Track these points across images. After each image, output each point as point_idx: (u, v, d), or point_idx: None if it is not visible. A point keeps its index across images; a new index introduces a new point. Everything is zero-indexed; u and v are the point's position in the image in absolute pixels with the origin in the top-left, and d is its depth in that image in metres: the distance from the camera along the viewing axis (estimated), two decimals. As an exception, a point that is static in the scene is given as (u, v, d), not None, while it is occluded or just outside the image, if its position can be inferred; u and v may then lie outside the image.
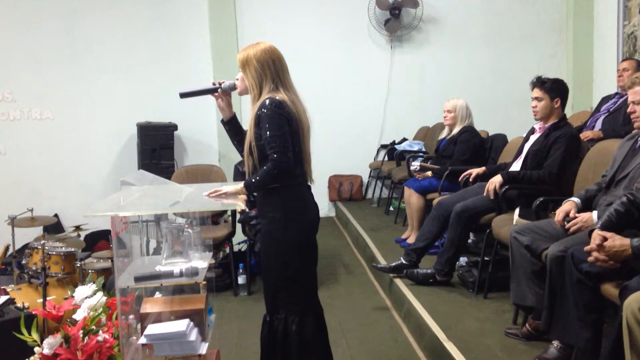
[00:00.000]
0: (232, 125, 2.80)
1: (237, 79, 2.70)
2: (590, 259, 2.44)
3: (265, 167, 2.54)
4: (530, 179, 3.78)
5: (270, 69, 2.60)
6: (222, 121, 2.82)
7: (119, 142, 6.89)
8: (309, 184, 2.74)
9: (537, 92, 3.89)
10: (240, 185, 2.62)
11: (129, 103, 6.80)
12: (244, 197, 4.56)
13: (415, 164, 5.14)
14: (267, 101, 2.55)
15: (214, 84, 2.78)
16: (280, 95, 2.58)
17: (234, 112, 2.81)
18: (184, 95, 2.80)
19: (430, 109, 6.79)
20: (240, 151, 2.72)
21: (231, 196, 2.64)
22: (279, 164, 2.52)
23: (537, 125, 4.00)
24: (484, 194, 3.90)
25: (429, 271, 4.08)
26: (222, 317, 4.02)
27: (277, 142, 2.51)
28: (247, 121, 2.67)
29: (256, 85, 2.61)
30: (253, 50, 2.62)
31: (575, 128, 4.63)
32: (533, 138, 3.99)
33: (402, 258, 4.22)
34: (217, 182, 4.36)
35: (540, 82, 3.90)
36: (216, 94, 2.76)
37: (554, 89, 3.85)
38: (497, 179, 3.84)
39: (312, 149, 2.74)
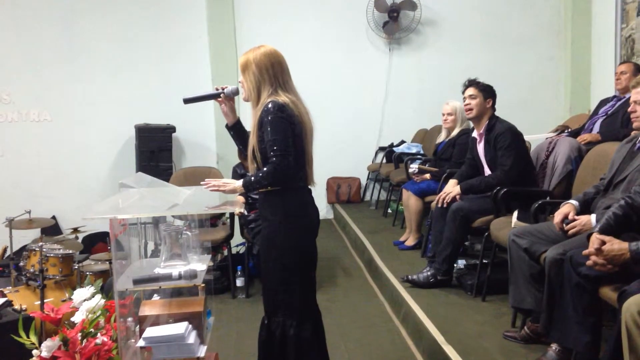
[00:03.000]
0: (236, 130, 2.80)
1: (240, 82, 2.70)
2: (589, 262, 2.44)
3: (265, 169, 2.54)
4: (488, 184, 3.98)
5: (269, 72, 2.60)
6: (227, 126, 2.82)
7: (117, 144, 6.88)
8: (311, 186, 2.74)
9: (471, 90, 4.18)
10: (238, 183, 2.61)
11: (127, 105, 6.79)
12: (242, 199, 4.57)
13: (414, 167, 5.15)
14: (270, 104, 2.55)
15: (217, 90, 2.78)
16: (282, 98, 2.57)
17: (238, 117, 2.81)
18: (187, 101, 2.80)
19: (428, 112, 6.79)
20: (245, 155, 2.72)
21: (228, 193, 2.64)
22: (279, 167, 2.51)
23: (475, 134, 4.25)
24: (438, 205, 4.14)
25: (428, 272, 4.08)
26: (220, 320, 4.01)
27: (279, 146, 2.51)
28: (248, 124, 2.67)
29: (254, 89, 2.62)
30: (253, 54, 2.63)
31: (573, 131, 4.66)
32: (480, 148, 4.19)
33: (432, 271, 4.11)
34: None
35: (474, 82, 4.22)
36: (220, 99, 2.76)
37: (487, 90, 4.17)
38: (456, 190, 4.08)
39: (313, 152, 2.74)
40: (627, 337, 2.10)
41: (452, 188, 4.15)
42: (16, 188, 6.62)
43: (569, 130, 4.77)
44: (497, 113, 4.21)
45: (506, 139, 3.94)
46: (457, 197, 4.07)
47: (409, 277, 4.14)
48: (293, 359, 2.63)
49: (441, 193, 4.17)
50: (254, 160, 2.61)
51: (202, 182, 2.66)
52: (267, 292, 2.71)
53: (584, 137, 4.36)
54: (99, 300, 2.89)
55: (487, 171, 4.13)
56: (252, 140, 2.60)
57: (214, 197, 2.73)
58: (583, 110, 6.42)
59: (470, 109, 4.14)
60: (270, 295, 2.69)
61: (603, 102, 4.82)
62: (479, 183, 4.06)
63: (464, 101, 4.22)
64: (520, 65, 7.26)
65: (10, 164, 6.71)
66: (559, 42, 7.28)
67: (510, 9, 7.26)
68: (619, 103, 4.56)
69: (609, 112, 4.58)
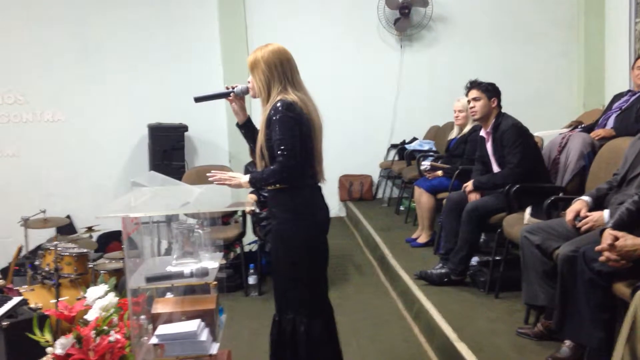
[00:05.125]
0: (247, 129, 2.81)
1: (249, 82, 2.71)
2: (602, 258, 2.42)
3: (272, 167, 2.55)
4: (495, 183, 4.00)
5: (278, 70, 2.60)
6: (238, 125, 2.83)
7: (130, 143, 6.92)
8: (320, 184, 2.74)
9: (474, 93, 4.11)
10: (245, 178, 2.62)
11: (140, 104, 6.83)
12: (254, 197, 4.59)
13: (426, 164, 5.14)
14: (279, 103, 2.55)
15: (227, 88, 2.79)
16: (291, 97, 2.58)
17: (248, 115, 2.82)
18: (198, 99, 2.83)
19: (440, 108, 6.76)
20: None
21: (234, 187, 2.65)
22: (285, 166, 2.52)
23: (483, 133, 4.22)
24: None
25: (443, 271, 4.07)
26: (232, 318, 4.02)
27: (286, 145, 2.51)
28: (258, 123, 2.68)
29: (264, 87, 2.62)
30: (261, 52, 2.63)
31: (587, 126, 4.61)
32: (489, 147, 4.15)
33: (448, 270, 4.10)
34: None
35: (476, 83, 4.14)
36: (230, 97, 2.77)
37: (490, 90, 4.09)
38: (469, 186, 4.15)
39: (322, 149, 2.74)
40: (631, 326, 2.08)
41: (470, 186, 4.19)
42: (31, 188, 6.68)
43: (583, 125, 4.73)
44: (510, 108, 4.19)
45: (511, 136, 3.91)
46: (477, 195, 4.09)
47: (422, 272, 4.13)
48: (304, 356, 2.63)
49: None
50: (262, 158, 2.62)
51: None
52: (277, 289, 2.72)
53: (598, 133, 4.32)
54: (112, 298, 2.92)
55: (496, 169, 4.11)
56: (260, 138, 2.61)
57: (226, 195, 2.75)
58: (597, 106, 6.36)
59: (475, 112, 4.11)
60: (280, 293, 2.69)
61: (617, 97, 4.76)
62: (486, 180, 4.08)
63: (469, 104, 4.19)
64: (533, 60, 7.21)
65: (26, 164, 6.77)
66: (572, 37, 7.22)
67: (522, 4, 7.21)
68: (634, 98, 4.50)
69: (623, 107, 4.52)
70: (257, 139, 2.69)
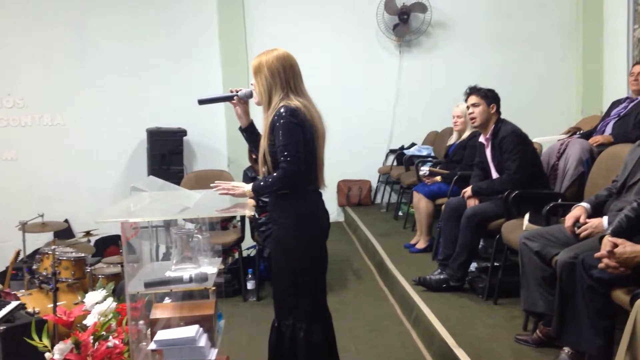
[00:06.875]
0: (249, 133, 2.82)
1: (252, 85, 2.71)
2: (601, 265, 2.43)
3: (275, 174, 2.55)
4: (494, 189, 3.99)
5: (280, 76, 2.60)
6: (240, 128, 2.83)
7: (128, 147, 6.92)
8: (321, 190, 2.74)
9: (473, 99, 4.11)
10: (248, 187, 2.62)
11: (139, 109, 6.84)
12: (252, 202, 4.57)
13: (425, 169, 5.14)
14: (282, 109, 2.55)
15: (231, 92, 2.79)
16: (294, 103, 2.58)
17: (251, 120, 2.82)
18: (202, 102, 2.82)
19: (439, 114, 6.77)
20: (255, 158, 2.72)
21: (237, 196, 2.64)
22: (288, 172, 2.52)
23: (482, 139, 4.22)
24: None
25: (441, 276, 4.07)
26: (231, 323, 4.01)
27: (289, 151, 2.51)
28: (260, 128, 2.69)
29: (265, 92, 2.62)
30: (265, 57, 2.63)
31: (585, 133, 4.62)
32: (488, 153, 4.16)
33: (447, 276, 4.09)
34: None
35: (476, 89, 4.13)
36: (233, 101, 2.78)
37: (489, 96, 4.08)
38: (467, 191, 4.16)
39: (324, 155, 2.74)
40: (631, 334, 2.08)
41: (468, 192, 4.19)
42: (29, 192, 6.67)
43: (581, 132, 4.74)
44: (508, 114, 4.19)
45: (510, 143, 3.91)
46: (476, 201, 4.09)
47: (420, 278, 4.13)
48: (303, 362, 2.63)
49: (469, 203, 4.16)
50: (265, 163, 2.62)
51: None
52: (277, 295, 2.72)
53: (596, 139, 4.33)
54: (110, 303, 2.91)
55: (495, 175, 4.12)
56: (263, 144, 2.61)
57: (225, 200, 2.74)
58: (595, 112, 6.37)
59: (474, 118, 4.11)
60: (280, 299, 2.69)
61: (615, 104, 4.77)
62: (486, 186, 4.09)
63: (468, 109, 4.19)
64: (532, 66, 7.23)
65: (24, 168, 6.77)
66: (571, 43, 7.24)
67: (521, 10, 7.23)
68: (632, 104, 4.52)
69: (622, 114, 4.54)
70: (258, 143, 2.69)
